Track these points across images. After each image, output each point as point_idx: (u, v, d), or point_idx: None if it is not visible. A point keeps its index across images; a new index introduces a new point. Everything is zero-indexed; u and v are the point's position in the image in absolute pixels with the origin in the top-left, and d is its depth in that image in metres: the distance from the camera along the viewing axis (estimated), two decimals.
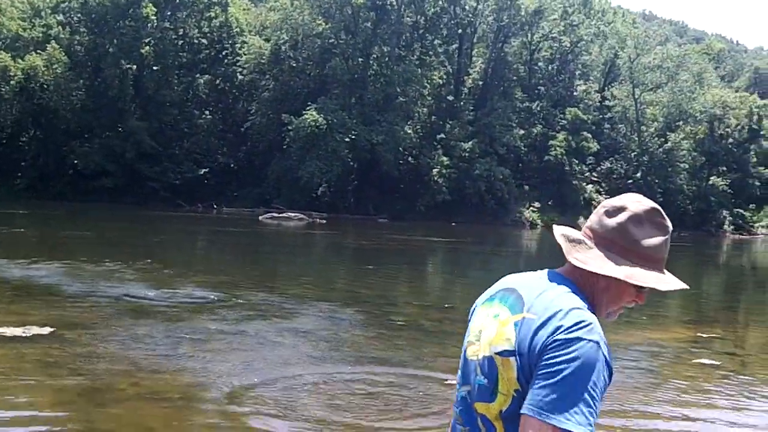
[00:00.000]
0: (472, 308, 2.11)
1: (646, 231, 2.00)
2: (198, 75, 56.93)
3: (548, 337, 1.78)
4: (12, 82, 48.53)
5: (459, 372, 2.06)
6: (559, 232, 2.03)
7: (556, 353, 1.75)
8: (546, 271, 2.01)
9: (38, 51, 49.89)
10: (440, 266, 24.56)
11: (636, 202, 2.01)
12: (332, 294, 14.53)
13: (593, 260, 1.93)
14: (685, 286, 2.04)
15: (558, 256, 1.94)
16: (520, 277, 2.04)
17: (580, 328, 1.78)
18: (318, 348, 9.10)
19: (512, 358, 1.83)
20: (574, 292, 1.89)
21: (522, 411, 1.75)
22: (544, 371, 1.75)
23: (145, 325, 9.61)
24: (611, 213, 1.99)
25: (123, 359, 7.76)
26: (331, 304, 12.70)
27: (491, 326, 1.93)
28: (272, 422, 6.01)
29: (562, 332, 1.77)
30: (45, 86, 49.29)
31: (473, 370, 1.96)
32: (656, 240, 2.02)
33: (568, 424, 1.68)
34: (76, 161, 49.71)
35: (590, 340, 1.77)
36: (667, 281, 2.04)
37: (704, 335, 11.62)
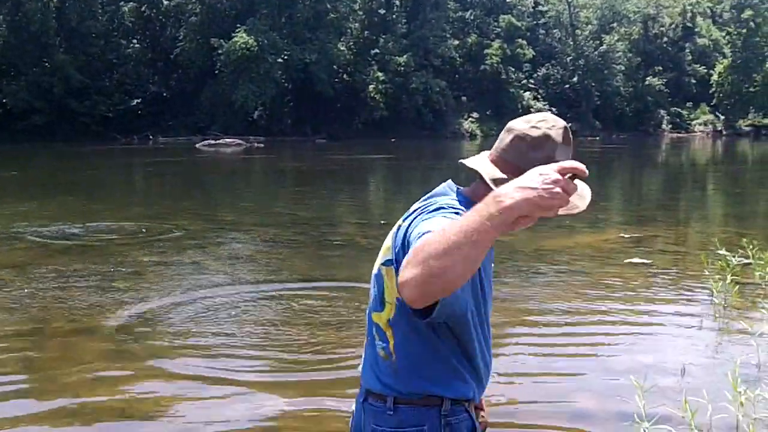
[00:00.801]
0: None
1: (521, 144, 2.05)
2: (122, 3, 55.11)
3: (407, 225, 1.91)
4: None
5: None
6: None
7: (412, 227, 1.88)
8: (451, 183, 2.08)
9: None
10: (379, 184, 24.78)
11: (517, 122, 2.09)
12: (270, 218, 14.66)
13: (483, 165, 2.02)
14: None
15: None
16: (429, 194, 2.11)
17: (433, 204, 1.93)
18: (256, 270, 9.28)
19: (392, 267, 1.93)
20: (456, 198, 1.98)
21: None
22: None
23: (79, 262, 9.66)
24: (507, 130, 2.07)
25: (58, 297, 7.85)
26: (269, 229, 12.86)
27: (386, 243, 2.03)
28: (204, 341, 6.21)
29: (418, 214, 1.92)
30: None
31: (371, 283, 2.06)
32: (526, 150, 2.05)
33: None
34: (4, 100, 48.23)
35: (438, 208, 1.90)
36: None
37: (638, 235, 12.06)
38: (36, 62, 49.05)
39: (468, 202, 1.95)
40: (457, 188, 2.06)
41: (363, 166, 30.66)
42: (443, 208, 1.89)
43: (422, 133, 52.44)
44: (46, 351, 6.19)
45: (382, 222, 13.82)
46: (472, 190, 2.02)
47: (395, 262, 1.92)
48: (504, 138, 2.05)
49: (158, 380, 5.48)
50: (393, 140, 47.41)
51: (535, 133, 2.02)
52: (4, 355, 6.04)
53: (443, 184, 2.07)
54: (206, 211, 15.78)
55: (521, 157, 1.99)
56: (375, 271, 2.04)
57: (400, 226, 1.96)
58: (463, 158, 2.08)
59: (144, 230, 12.44)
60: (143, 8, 55.65)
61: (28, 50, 49.23)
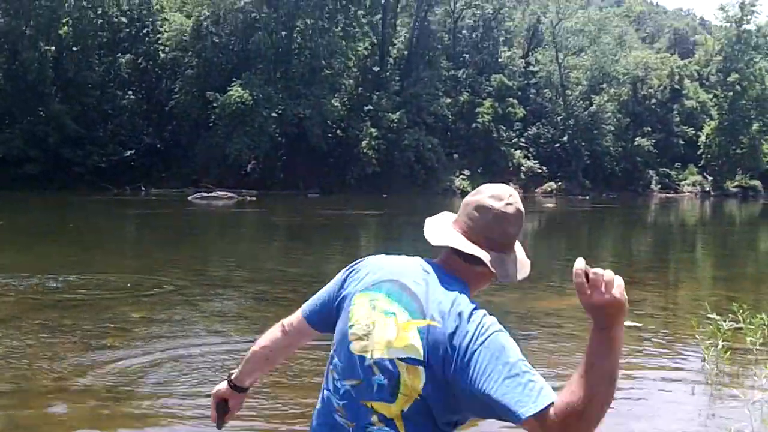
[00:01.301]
0: (345, 289, 2.14)
1: (502, 223, 2.12)
2: (119, 55, 55.71)
3: (467, 345, 1.87)
4: None
5: (335, 360, 2.08)
6: (438, 225, 2.16)
7: (486, 356, 1.85)
8: (426, 261, 2.11)
9: None
10: (371, 240, 24.79)
11: (511, 205, 2.13)
12: (260, 274, 14.63)
13: (515, 271, 2.12)
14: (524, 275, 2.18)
15: None
16: (402, 266, 2.10)
17: (489, 324, 1.92)
18: (245, 328, 9.22)
19: (420, 368, 1.91)
20: (462, 289, 2.00)
21: (521, 418, 1.76)
22: (491, 377, 1.81)
23: (68, 317, 9.59)
24: (511, 223, 2.11)
25: (46, 353, 7.77)
26: (259, 285, 12.82)
27: (387, 326, 1.98)
28: (191, 402, 6.15)
29: (478, 336, 1.88)
30: None
31: (366, 367, 1.99)
32: (506, 228, 2.13)
33: (548, 398, 1.78)
34: None
35: (499, 330, 1.92)
36: (524, 267, 2.19)
37: (631, 297, 11.99)
38: (32, 111, 49.33)
39: (455, 280, 2.04)
40: (436, 265, 2.10)
41: (355, 221, 30.73)
42: (502, 330, 1.93)
43: (414, 189, 52.68)
44: (29, 409, 6.10)
45: None
46: (450, 264, 2.10)
47: (427, 367, 1.91)
48: (480, 216, 2.10)
49: None
50: (385, 196, 47.59)
51: (510, 210, 2.11)
52: None
53: (419, 264, 2.10)
54: (196, 265, 15.74)
55: (502, 234, 2.10)
56: (373, 356, 1.99)
57: (429, 326, 1.93)
58: (437, 230, 2.15)
59: (134, 284, 12.38)
60: (139, 60, 56.22)
61: (25, 99, 49.56)
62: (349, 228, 27.70)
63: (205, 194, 42.38)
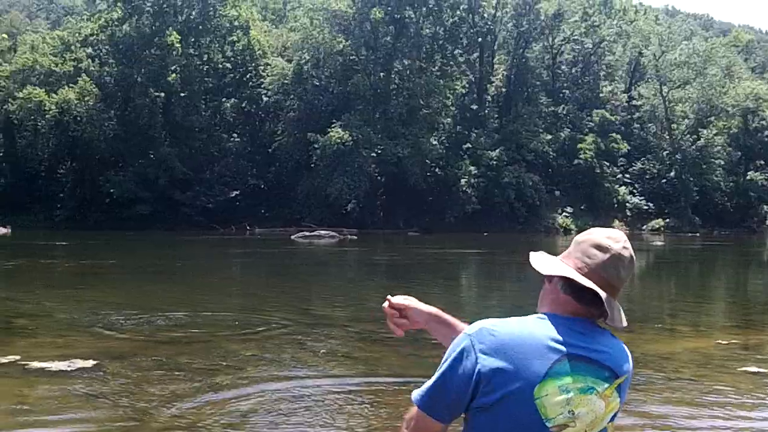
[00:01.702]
0: (505, 388, 1.98)
1: (617, 265, 2.15)
2: (224, 99, 57.70)
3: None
4: (47, 116, 49.69)
5: None
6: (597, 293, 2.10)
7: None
8: (562, 319, 2.08)
9: (70, 85, 50.96)
10: (473, 279, 24.60)
11: (628, 249, 2.15)
12: (365, 313, 14.65)
13: (620, 317, 2.13)
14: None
15: None
16: (550, 332, 2.03)
17: None
18: (354, 367, 9.23)
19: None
20: (607, 333, 2.11)
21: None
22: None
23: (184, 353, 9.81)
24: (625, 267, 2.12)
25: (164, 389, 7.95)
26: (363, 324, 12.84)
27: (592, 402, 2.00)
28: None
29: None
30: (78, 118, 50.27)
31: None
32: (620, 271, 2.15)
33: None
34: (111, 190, 50.58)
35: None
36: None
37: (750, 341, 11.50)
38: (143, 154, 51.51)
39: (591, 324, 2.10)
40: (568, 319, 2.09)
41: (456, 260, 30.57)
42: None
43: (515, 227, 52.18)
44: None
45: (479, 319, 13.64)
46: (572, 310, 2.10)
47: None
48: (598, 254, 2.07)
49: None
50: (485, 234, 47.28)
51: (626, 253, 2.09)
52: None
53: (562, 325, 2.06)
54: (302, 303, 15.92)
55: (615, 276, 2.08)
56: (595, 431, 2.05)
57: (620, 383, 2.08)
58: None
59: (242, 323, 12.60)
60: (244, 104, 58.04)
61: (136, 143, 51.87)
62: (451, 267, 27.57)
63: (307, 233, 43.05)
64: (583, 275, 2.06)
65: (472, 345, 2.02)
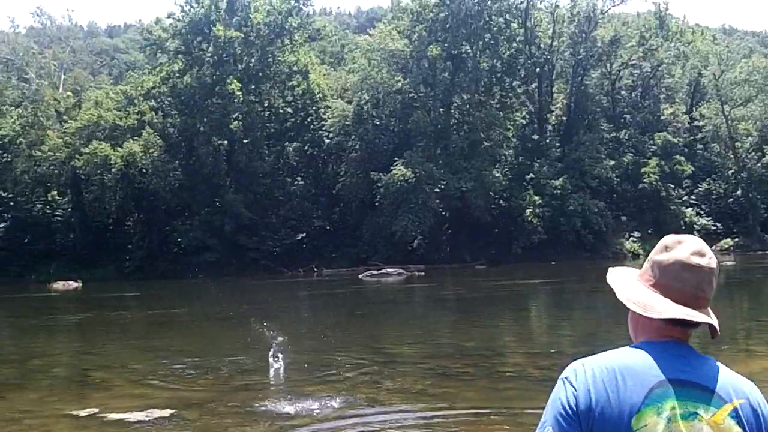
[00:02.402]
0: (599, 419, 1.87)
1: (712, 279, 2.05)
2: (287, 143, 58.49)
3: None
4: (113, 170, 50.79)
5: None
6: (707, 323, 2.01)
7: None
8: (659, 345, 1.98)
9: (135, 138, 52.19)
10: (543, 309, 24.28)
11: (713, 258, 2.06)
12: (437, 349, 14.56)
13: (713, 319, 2.00)
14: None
15: None
16: (647, 360, 1.93)
17: None
18: (431, 406, 9.14)
19: None
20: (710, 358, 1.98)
21: None
22: None
23: (259, 399, 9.87)
24: (716, 276, 2.04)
25: None
26: (438, 360, 12.76)
27: (698, 428, 1.85)
28: None
29: None
30: (144, 170, 51.36)
31: None
32: (713, 283, 2.06)
33: None
34: (179, 239, 51.53)
35: None
36: None
37: None
38: (208, 202, 52.33)
39: (692, 350, 1.97)
40: (668, 343, 1.98)
41: (525, 291, 30.23)
42: None
43: (583, 255, 51.40)
44: None
45: (552, 351, 13.45)
46: (673, 335, 1.98)
47: None
48: (691, 276, 1.98)
49: None
50: (553, 263, 46.66)
51: (714, 263, 2.04)
52: None
53: (659, 352, 1.95)
54: (375, 343, 15.89)
55: (711, 290, 2.02)
56: None
57: (736, 407, 1.89)
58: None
59: (315, 364, 12.61)
60: (306, 147, 58.72)
61: (201, 191, 52.71)
62: (520, 298, 27.25)
63: (374, 272, 43.10)
64: (683, 303, 1.96)
65: (567, 385, 1.93)
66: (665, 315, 1.94)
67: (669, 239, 2.08)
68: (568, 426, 1.89)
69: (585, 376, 1.91)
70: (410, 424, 8.36)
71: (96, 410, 9.42)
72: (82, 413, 9.32)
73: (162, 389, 10.88)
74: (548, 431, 1.92)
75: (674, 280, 1.99)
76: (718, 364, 1.94)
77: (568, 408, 1.90)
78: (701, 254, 2.01)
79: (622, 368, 1.90)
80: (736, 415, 1.86)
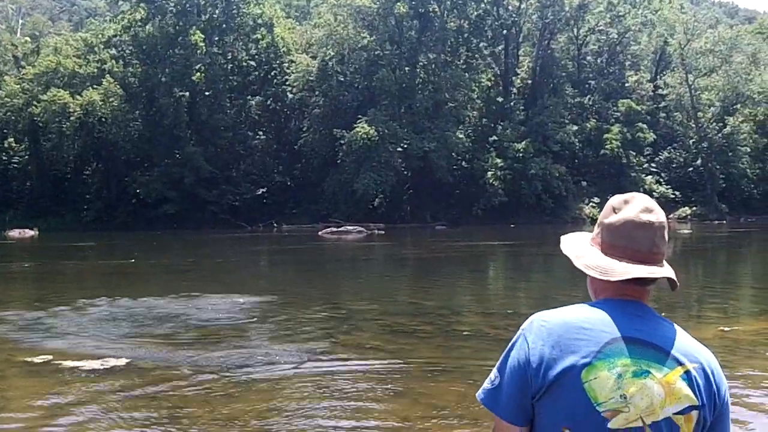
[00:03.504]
0: (550, 371, 1.88)
1: (664, 234, 2.06)
2: (249, 97, 57.86)
3: (723, 389, 1.94)
4: (72, 118, 49.97)
5: None
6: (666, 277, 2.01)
7: (727, 404, 1.95)
8: (614, 302, 1.97)
9: (94, 86, 51.28)
10: (501, 271, 24.52)
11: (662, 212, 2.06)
12: (394, 307, 14.65)
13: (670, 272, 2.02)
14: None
15: None
16: (601, 317, 1.93)
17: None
18: (385, 360, 9.21)
19: (694, 412, 1.87)
20: (668, 321, 1.98)
21: None
22: (727, 420, 1.95)
23: (217, 350, 9.87)
24: (667, 230, 2.04)
25: (197, 385, 8.00)
26: (394, 317, 12.84)
27: (648, 387, 1.85)
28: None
29: (724, 383, 1.95)
30: (103, 120, 50.61)
31: None
32: (666, 238, 2.07)
33: None
34: (138, 190, 50.98)
35: None
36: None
37: None
38: (169, 154, 51.75)
39: (650, 311, 1.97)
40: (624, 302, 1.98)
41: (484, 252, 30.48)
42: None
43: (542, 219, 51.93)
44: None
45: (509, 311, 13.61)
46: (631, 293, 1.99)
47: (700, 408, 1.88)
48: (644, 234, 1.99)
49: None
50: (513, 226, 47.09)
51: (663, 218, 2.04)
52: None
53: (617, 309, 1.95)
54: (332, 298, 15.94)
55: (665, 245, 2.03)
56: (645, 422, 1.85)
57: (689, 370, 1.88)
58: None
59: (272, 317, 12.65)
60: (269, 102, 58.19)
61: (162, 143, 52.09)
62: (479, 259, 27.48)
63: (334, 229, 43.15)
64: (641, 262, 1.97)
65: (525, 337, 1.95)
66: (626, 276, 1.95)
67: (615, 200, 2.10)
68: (515, 376, 1.92)
69: (541, 329, 1.93)
70: (362, 374, 8.43)
71: (50, 357, 9.35)
72: (36, 360, 9.25)
73: (117, 338, 10.83)
74: (495, 378, 1.96)
75: (627, 240, 2.00)
76: (676, 327, 1.95)
77: (518, 358, 1.93)
78: (650, 210, 2.01)
79: (577, 323, 1.91)
80: (688, 377, 1.86)
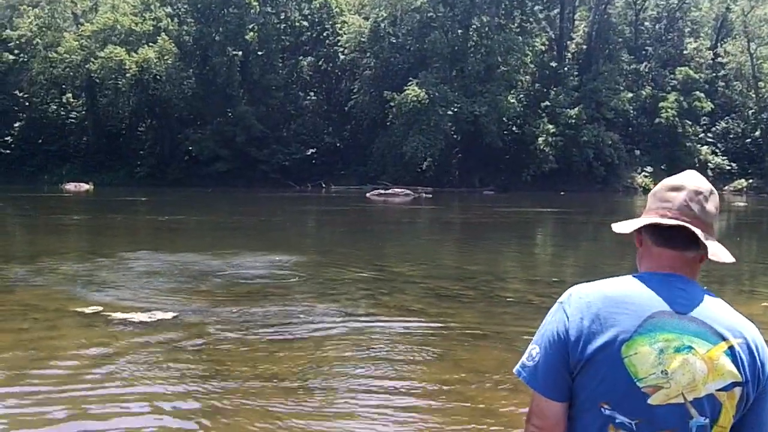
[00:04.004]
0: (589, 345, 1.87)
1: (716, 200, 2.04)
2: (301, 57, 57.89)
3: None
4: (127, 75, 50.61)
5: (620, 419, 1.86)
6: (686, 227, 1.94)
7: None
8: (659, 276, 1.95)
9: (150, 44, 51.75)
10: (549, 238, 24.37)
11: (704, 182, 2.03)
12: (439, 271, 14.69)
13: (723, 251, 1.96)
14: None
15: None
16: (644, 291, 1.91)
17: None
18: (427, 323, 9.27)
19: (737, 389, 1.84)
20: (713, 295, 1.94)
21: None
22: (765, 400, 1.89)
23: (261, 307, 10.02)
24: (708, 197, 1.99)
25: (242, 342, 8.16)
26: (437, 281, 12.88)
27: (692, 362, 1.83)
28: (389, 399, 6.25)
29: None
30: (158, 77, 51.13)
31: (677, 414, 1.84)
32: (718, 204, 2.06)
33: None
34: (190, 148, 51.61)
35: None
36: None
37: None
38: (221, 113, 52.19)
39: (697, 286, 1.95)
40: (668, 275, 1.95)
41: (532, 219, 30.30)
42: None
43: (593, 187, 51.34)
44: (229, 395, 6.39)
45: (554, 280, 13.54)
46: (676, 266, 1.96)
47: (744, 385, 1.85)
48: (676, 195, 1.98)
49: (335, 430, 5.55)
50: (562, 193, 46.67)
51: (704, 186, 2.02)
52: (190, 394, 6.30)
53: (660, 283, 1.92)
54: (378, 260, 16.02)
55: (701, 210, 1.98)
56: (687, 399, 1.83)
57: (733, 346, 1.85)
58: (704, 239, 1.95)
59: (317, 277, 12.79)
60: (320, 62, 58.15)
61: (214, 101, 52.52)
62: (527, 226, 27.32)
63: (382, 191, 43.23)
64: (657, 215, 1.97)
65: (564, 310, 1.94)
66: (643, 223, 1.96)
67: (668, 179, 2.10)
68: (553, 350, 1.91)
69: (580, 302, 1.92)
70: (403, 336, 8.50)
71: (100, 308, 9.59)
72: (87, 310, 9.50)
73: (166, 292, 11.06)
74: (534, 350, 1.95)
75: (661, 201, 2.00)
76: (721, 301, 1.91)
77: (557, 332, 1.91)
78: (691, 176, 2.03)
79: (617, 296, 1.90)
80: (732, 353, 1.83)
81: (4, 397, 6.19)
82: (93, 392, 6.33)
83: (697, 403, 1.82)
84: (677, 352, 1.82)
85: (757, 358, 1.85)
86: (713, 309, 1.88)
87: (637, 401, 1.83)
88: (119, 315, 9.22)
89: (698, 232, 1.92)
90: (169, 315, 9.29)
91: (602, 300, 1.89)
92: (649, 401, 1.82)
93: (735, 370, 1.82)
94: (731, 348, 1.82)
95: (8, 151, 53.58)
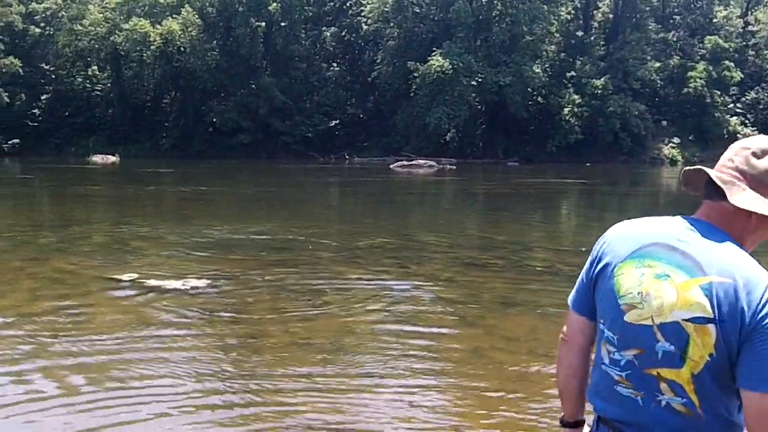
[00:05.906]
0: (599, 264, 2.05)
1: None
2: (324, 28, 57.69)
3: (762, 311, 1.81)
4: (152, 47, 50.78)
5: (607, 333, 2.02)
6: (706, 172, 2.00)
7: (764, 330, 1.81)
8: (684, 218, 2.01)
9: (174, 16, 51.80)
10: (575, 209, 24.29)
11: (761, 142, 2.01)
12: (466, 240, 14.72)
13: (756, 202, 1.93)
14: None
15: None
16: (659, 227, 2.01)
17: None
18: (457, 292, 9.34)
19: (710, 326, 1.83)
20: (737, 246, 1.92)
21: (741, 385, 1.83)
22: (760, 345, 1.80)
23: (292, 275, 10.13)
24: (759, 155, 1.97)
25: (274, 308, 8.27)
26: (465, 251, 12.93)
27: (665, 289, 1.90)
28: (416, 365, 6.33)
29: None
30: (182, 49, 51.22)
31: (647, 335, 1.92)
32: None
33: None
34: (214, 119, 51.76)
35: None
36: None
37: None
38: (244, 84, 52.25)
39: (720, 232, 1.95)
40: (696, 220, 2.00)
41: (557, 190, 30.18)
42: None
43: (619, 158, 50.96)
44: (264, 360, 6.49)
45: (582, 249, 13.51)
46: (710, 214, 1.99)
47: (719, 323, 1.83)
48: (760, 163, 1.96)
49: (367, 393, 5.63)
50: (588, 165, 46.38)
51: (759, 145, 2.00)
52: (224, 360, 6.41)
53: (678, 222, 1.99)
54: (404, 230, 16.07)
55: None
56: (654, 322, 1.91)
57: (713, 282, 1.84)
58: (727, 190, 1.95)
59: (345, 246, 12.88)
60: (344, 33, 57.92)
61: (237, 73, 52.59)
62: (552, 196, 27.22)
63: (405, 163, 43.16)
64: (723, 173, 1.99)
65: (598, 241, 2.14)
66: (711, 172, 1.99)
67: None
68: (584, 273, 2.14)
69: (608, 233, 2.11)
70: (433, 303, 8.58)
71: (135, 275, 9.75)
72: (123, 277, 9.65)
73: (197, 260, 11.20)
74: (579, 279, 2.17)
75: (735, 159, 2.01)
76: (736, 251, 1.90)
77: (589, 260, 2.13)
78: (754, 137, 2.05)
79: (634, 228, 2.06)
80: (708, 289, 1.84)
81: (48, 357, 6.33)
82: (136, 354, 6.48)
83: (663, 328, 1.90)
84: (656, 278, 1.92)
85: (741, 301, 1.81)
86: (714, 251, 1.90)
87: (617, 317, 1.99)
88: (153, 282, 9.36)
89: (714, 174, 1.97)
90: (203, 282, 9.41)
91: (622, 230, 2.07)
92: (625, 318, 1.97)
93: (706, 305, 1.83)
94: (709, 284, 1.85)
95: (35, 124, 53.97)
